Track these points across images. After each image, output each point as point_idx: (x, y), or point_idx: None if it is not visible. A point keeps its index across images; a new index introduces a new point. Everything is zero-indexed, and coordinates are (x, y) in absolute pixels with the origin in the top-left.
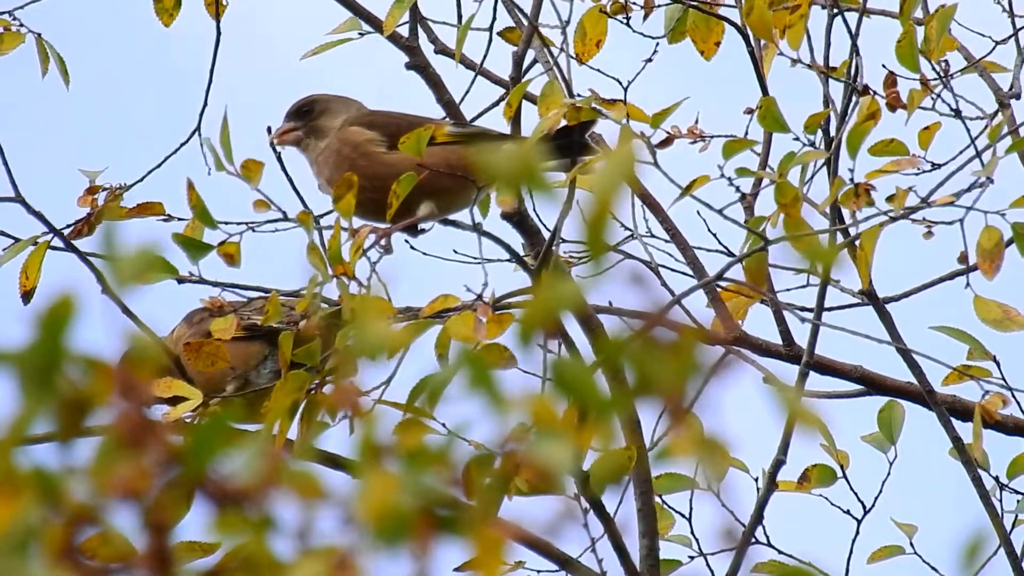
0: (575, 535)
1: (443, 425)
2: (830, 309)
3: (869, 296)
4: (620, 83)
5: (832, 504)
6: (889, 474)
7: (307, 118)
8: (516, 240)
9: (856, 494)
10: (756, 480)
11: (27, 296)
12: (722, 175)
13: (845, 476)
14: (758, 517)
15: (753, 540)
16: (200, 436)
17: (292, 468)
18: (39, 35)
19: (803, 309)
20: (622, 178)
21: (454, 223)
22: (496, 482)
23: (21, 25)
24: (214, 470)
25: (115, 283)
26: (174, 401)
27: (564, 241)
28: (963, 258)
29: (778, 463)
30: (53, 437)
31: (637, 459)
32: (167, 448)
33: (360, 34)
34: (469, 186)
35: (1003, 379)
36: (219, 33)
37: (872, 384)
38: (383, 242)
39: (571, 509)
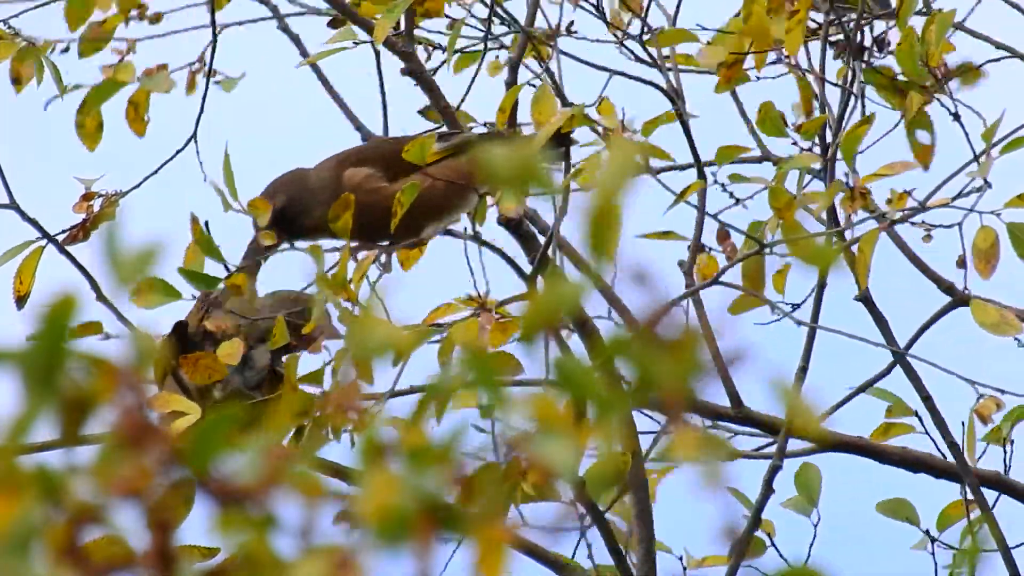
0: (571, 540)
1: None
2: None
3: (865, 301)
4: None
5: (764, 574)
6: (815, 536)
7: (295, 231)
8: (510, 245)
9: (787, 561)
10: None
11: (21, 301)
12: (715, 181)
13: (774, 544)
14: (755, 523)
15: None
16: (202, 436)
17: (295, 468)
18: (33, 43)
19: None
20: (627, 176)
21: (451, 232)
22: (499, 491)
23: (16, 34)
24: (216, 469)
25: (115, 284)
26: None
27: (561, 247)
28: (961, 262)
29: (774, 468)
30: (56, 445)
31: (633, 462)
32: (169, 447)
33: (355, 43)
34: (470, 200)
35: (926, 432)
36: (215, 39)
37: (828, 440)
38: (382, 259)
39: (567, 513)
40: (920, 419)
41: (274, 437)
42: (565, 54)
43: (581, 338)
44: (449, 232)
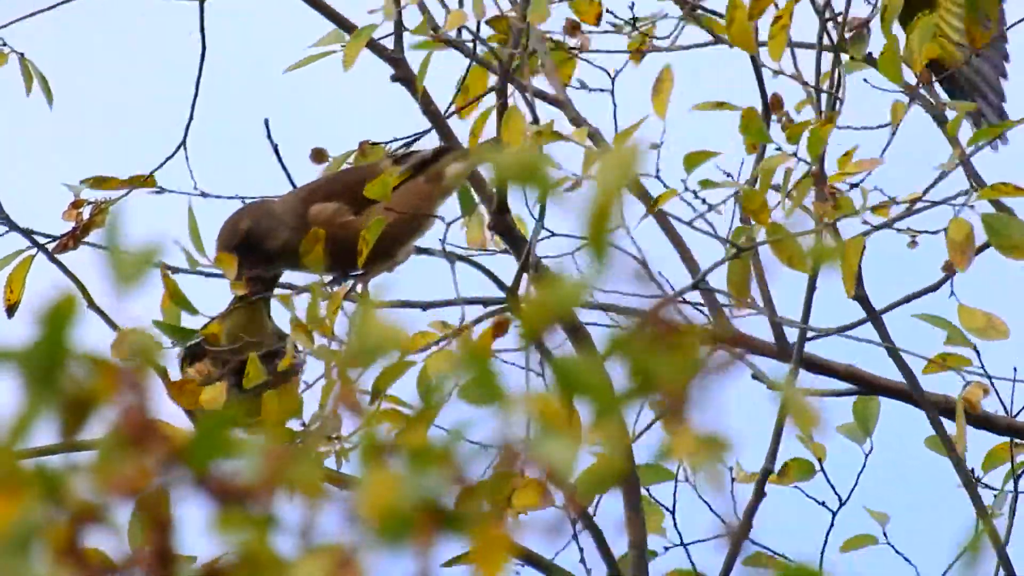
0: (562, 544)
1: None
2: (844, 330)
3: (860, 300)
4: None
5: (808, 496)
6: (864, 466)
7: (260, 258)
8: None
9: (832, 486)
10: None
11: (11, 310)
12: (686, 188)
13: (823, 469)
14: (748, 525)
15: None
16: (202, 436)
17: (295, 467)
18: (22, 55)
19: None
20: (623, 177)
21: (426, 251)
22: (496, 496)
23: (4, 44)
24: (217, 468)
25: (116, 286)
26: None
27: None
28: (948, 267)
29: (766, 472)
30: (58, 449)
31: (626, 465)
32: (170, 447)
33: (342, 47)
34: (434, 220)
35: (983, 368)
36: (204, 47)
37: (863, 383)
38: (359, 288)
39: (560, 518)
40: (978, 353)
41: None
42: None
43: (572, 343)
44: (425, 250)
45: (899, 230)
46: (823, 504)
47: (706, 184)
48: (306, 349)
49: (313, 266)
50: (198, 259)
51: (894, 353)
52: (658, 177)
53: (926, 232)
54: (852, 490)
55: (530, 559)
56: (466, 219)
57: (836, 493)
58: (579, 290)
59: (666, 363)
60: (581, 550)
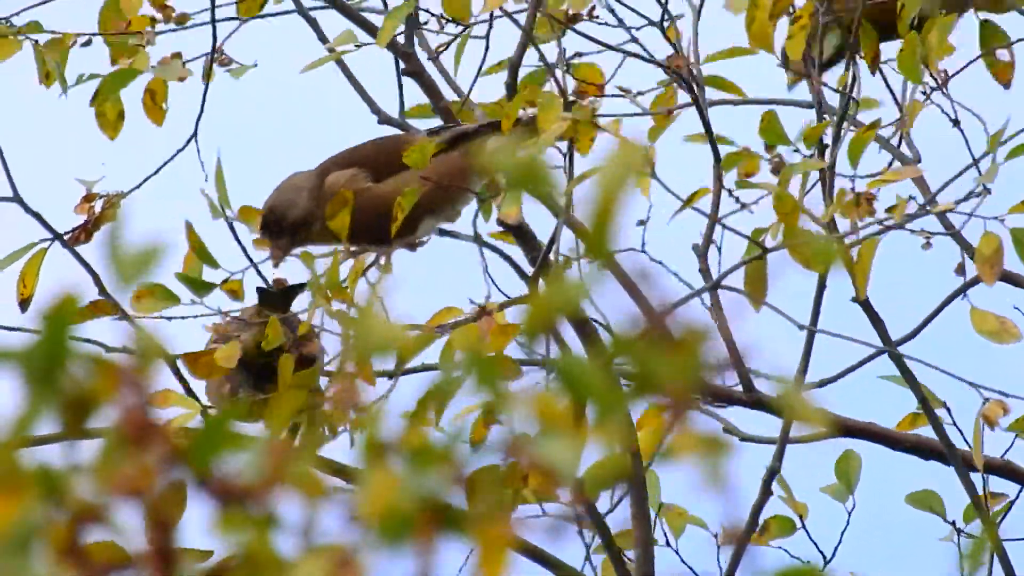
0: (569, 541)
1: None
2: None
3: (862, 303)
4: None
5: (791, 556)
6: (848, 524)
7: (285, 231)
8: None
9: (816, 545)
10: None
11: (24, 304)
12: (723, 187)
13: (804, 527)
14: (752, 524)
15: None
16: (204, 434)
17: (296, 466)
18: (36, 42)
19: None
20: (628, 177)
21: (452, 234)
22: (501, 493)
23: (20, 36)
24: (217, 468)
25: (117, 285)
26: None
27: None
28: (960, 269)
29: (772, 471)
30: (59, 437)
31: (632, 462)
32: (171, 446)
33: (357, 46)
34: (465, 196)
35: (954, 423)
36: (215, 39)
37: (844, 429)
38: (382, 261)
39: (566, 515)
40: (948, 411)
41: (276, 435)
42: (581, 34)
43: (580, 339)
44: (450, 233)
45: (912, 231)
46: (808, 563)
47: (742, 184)
48: (323, 322)
49: (339, 232)
50: (225, 212)
51: (925, 402)
52: (644, 251)
53: (940, 234)
54: (836, 548)
55: (536, 556)
56: (500, 197)
57: (820, 551)
58: (582, 288)
59: (668, 364)
60: (587, 547)
